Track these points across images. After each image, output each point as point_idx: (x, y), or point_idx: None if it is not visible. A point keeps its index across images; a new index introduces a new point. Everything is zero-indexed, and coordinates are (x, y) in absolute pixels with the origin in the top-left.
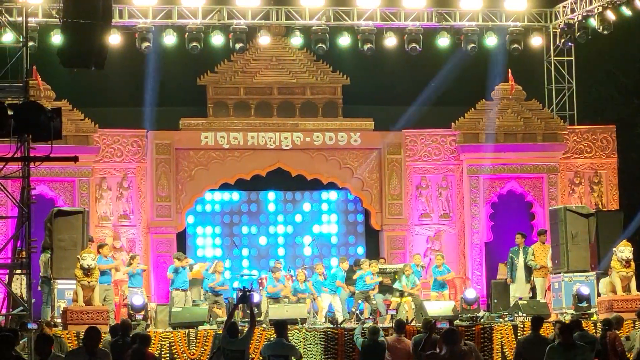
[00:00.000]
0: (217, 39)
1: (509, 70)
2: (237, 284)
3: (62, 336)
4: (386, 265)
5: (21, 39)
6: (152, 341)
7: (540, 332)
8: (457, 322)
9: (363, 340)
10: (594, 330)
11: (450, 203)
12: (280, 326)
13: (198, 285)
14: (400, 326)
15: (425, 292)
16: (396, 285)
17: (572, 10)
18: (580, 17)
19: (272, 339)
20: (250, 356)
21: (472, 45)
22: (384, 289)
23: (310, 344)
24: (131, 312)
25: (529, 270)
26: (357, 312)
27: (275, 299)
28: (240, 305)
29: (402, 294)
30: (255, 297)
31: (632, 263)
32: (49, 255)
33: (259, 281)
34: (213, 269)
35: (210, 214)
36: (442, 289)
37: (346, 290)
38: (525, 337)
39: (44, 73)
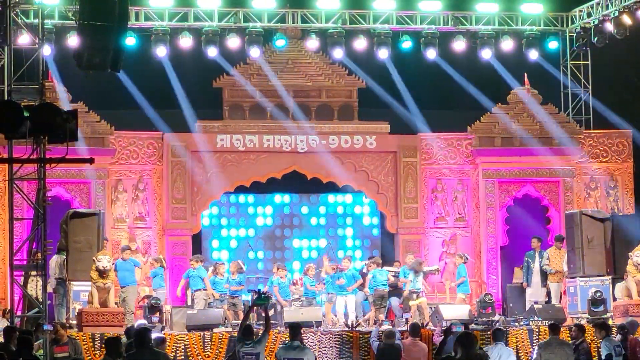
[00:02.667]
0: (233, 42)
1: (525, 74)
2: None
3: (77, 338)
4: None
5: (37, 41)
6: (167, 343)
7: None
8: (472, 325)
9: (379, 344)
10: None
11: (466, 207)
12: (295, 329)
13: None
14: (416, 329)
15: (441, 295)
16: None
17: (589, 15)
18: (596, 22)
19: (286, 341)
20: (265, 359)
21: (487, 48)
22: (399, 292)
23: (325, 347)
24: (147, 314)
25: (544, 274)
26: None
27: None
28: (255, 307)
29: (418, 296)
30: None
31: None
32: (65, 257)
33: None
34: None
35: (226, 217)
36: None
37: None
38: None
39: (60, 75)
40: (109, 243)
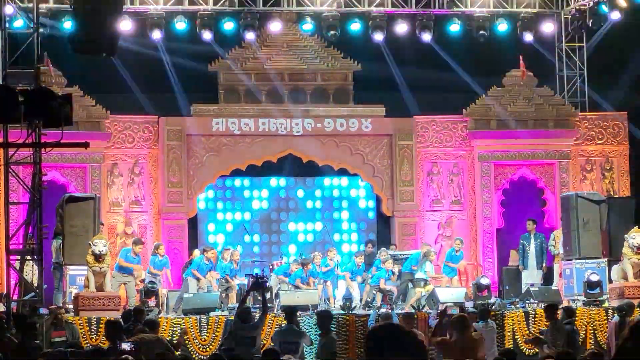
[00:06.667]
0: (228, 25)
1: (521, 56)
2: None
3: (73, 322)
4: (397, 251)
5: (32, 25)
6: (164, 327)
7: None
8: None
9: None
10: (605, 317)
11: (462, 189)
12: (290, 312)
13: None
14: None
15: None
16: (420, 274)
17: None
18: (591, 3)
19: (282, 325)
20: (261, 342)
21: (483, 31)
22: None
23: None
24: (144, 298)
25: (540, 256)
26: (369, 299)
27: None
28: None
29: (425, 283)
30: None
31: None
32: (61, 241)
33: (270, 267)
34: (230, 257)
35: (222, 200)
36: (453, 275)
37: (358, 279)
38: None
39: (55, 59)
40: (105, 227)
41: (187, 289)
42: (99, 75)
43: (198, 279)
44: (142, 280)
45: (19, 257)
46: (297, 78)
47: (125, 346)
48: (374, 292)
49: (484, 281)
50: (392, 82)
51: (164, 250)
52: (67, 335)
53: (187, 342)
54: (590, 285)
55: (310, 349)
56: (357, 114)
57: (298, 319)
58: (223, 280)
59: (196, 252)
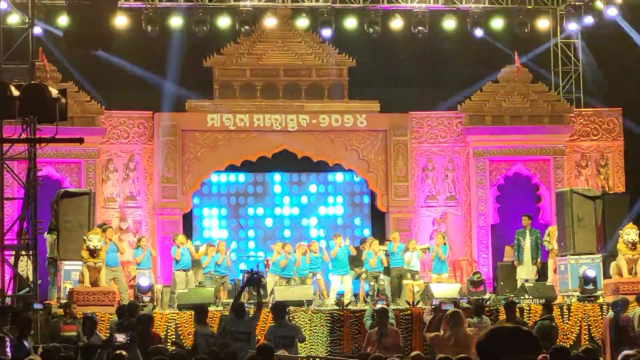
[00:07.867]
0: (224, 21)
1: (516, 52)
2: (243, 265)
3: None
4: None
5: (27, 21)
6: (159, 322)
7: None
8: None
9: (372, 323)
10: (600, 313)
11: (457, 185)
12: (280, 310)
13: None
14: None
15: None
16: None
17: None
18: None
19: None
20: (256, 338)
21: (478, 27)
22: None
23: (316, 326)
24: (138, 293)
25: (535, 252)
26: (367, 294)
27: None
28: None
29: (413, 275)
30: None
31: (638, 245)
32: (55, 237)
33: (265, 263)
34: (216, 249)
35: (217, 196)
36: (439, 271)
37: (357, 272)
38: None
39: (50, 55)
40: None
41: (175, 283)
42: (94, 70)
43: (185, 271)
44: (134, 277)
45: (13, 253)
46: (292, 74)
47: (121, 338)
48: (371, 283)
49: (479, 277)
50: (387, 78)
51: (145, 242)
52: (78, 330)
53: (181, 337)
54: (585, 281)
55: (305, 344)
56: (352, 109)
57: (291, 315)
58: (218, 277)
59: (180, 238)
